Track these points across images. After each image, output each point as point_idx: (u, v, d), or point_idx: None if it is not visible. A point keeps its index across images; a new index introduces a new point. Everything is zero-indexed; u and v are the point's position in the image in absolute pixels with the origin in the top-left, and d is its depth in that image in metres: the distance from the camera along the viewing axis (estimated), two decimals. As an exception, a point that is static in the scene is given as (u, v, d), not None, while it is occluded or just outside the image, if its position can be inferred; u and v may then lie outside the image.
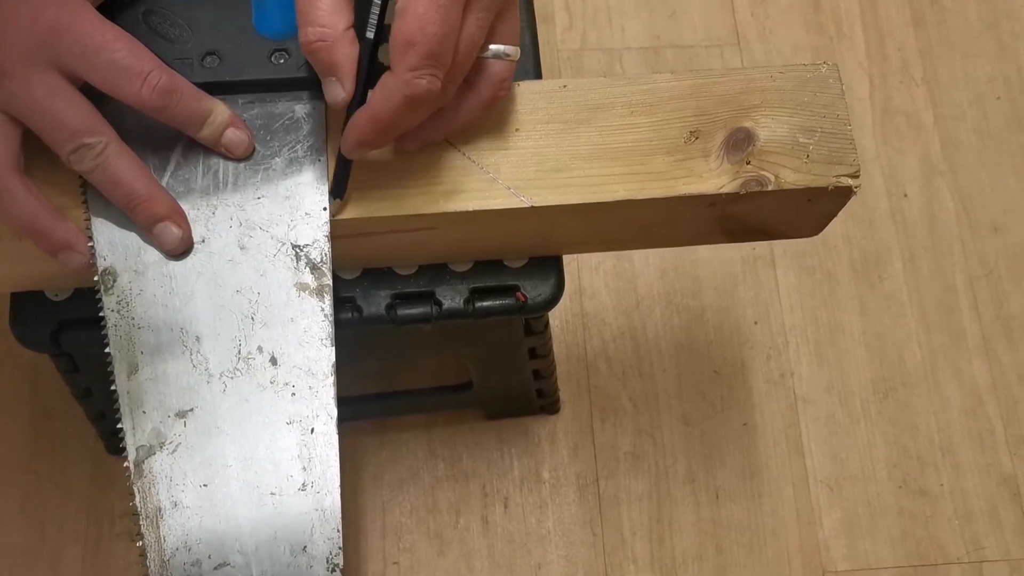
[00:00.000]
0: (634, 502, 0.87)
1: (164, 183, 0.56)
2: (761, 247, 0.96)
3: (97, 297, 0.55)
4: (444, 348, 0.75)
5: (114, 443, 0.83)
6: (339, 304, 0.60)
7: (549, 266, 0.65)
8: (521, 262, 0.64)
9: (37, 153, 0.55)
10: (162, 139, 0.56)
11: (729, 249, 0.96)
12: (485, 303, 0.64)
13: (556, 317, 0.93)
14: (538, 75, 0.68)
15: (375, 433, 0.88)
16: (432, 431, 0.89)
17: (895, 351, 0.93)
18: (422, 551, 0.85)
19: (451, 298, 0.64)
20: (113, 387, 0.53)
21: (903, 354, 0.93)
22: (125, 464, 0.52)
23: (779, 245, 0.97)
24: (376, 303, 0.63)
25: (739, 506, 0.88)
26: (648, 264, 0.95)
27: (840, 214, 0.97)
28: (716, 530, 0.87)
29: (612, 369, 0.92)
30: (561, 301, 0.93)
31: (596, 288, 0.95)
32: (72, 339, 0.61)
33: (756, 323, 0.94)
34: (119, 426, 0.53)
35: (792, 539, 0.87)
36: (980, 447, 0.90)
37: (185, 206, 0.56)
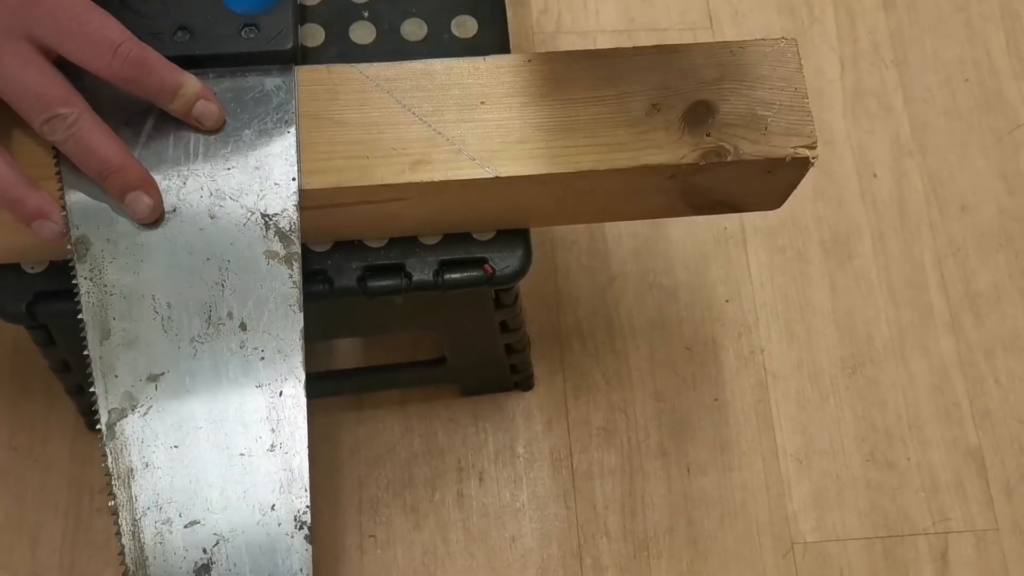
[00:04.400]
0: (607, 476, 0.89)
1: (136, 154, 0.57)
2: (732, 226, 0.98)
3: (70, 266, 0.56)
4: (416, 321, 0.77)
5: (93, 419, 0.84)
6: (310, 276, 0.61)
7: (517, 239, 0.66)
8: (489, 235, 0.66)
9: (10, 126, 0.57)
10: (134, 111, 0.58)
11: (701, 229, 0.98)
12: (454, 275, 0.65)
13: (530, 295, 0.94)
14: (507, 52, 0.69)
15: (351, 409, 0.89)
16: (408, 407, 0.90)
17: (864, 328, 0.95)
18: (398, 524, 0.86)
19: (420, 270, 0.65)
20: (86, 352, 0.55)
21: (872, 331, 0.95)
22: (98, 427, 0.54)
23: (750, 225, 0.98)
24: (347, 275, 0.64)
25: (710, 480, 0.89)
26: (621, 243, 0.97)
27: (810, 194, 1.00)
28: (687, 503, 0.88)
29: (585, 346, 0.93)
30: (535, 280, 0.96)
31: (570, 267, 0.96)
32: (48, 310, 0.62)
33: (727, 301, 0.96)
34: (92, 390, 0.54)
35: (762, 511, 0.88)
36: (947, 421, 0.92)
37: (157, 176, 0.57)
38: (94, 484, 0.86)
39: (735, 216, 0.98)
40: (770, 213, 0.93)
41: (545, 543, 0.87)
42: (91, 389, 0.54)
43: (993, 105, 1.04)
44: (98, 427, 0.54)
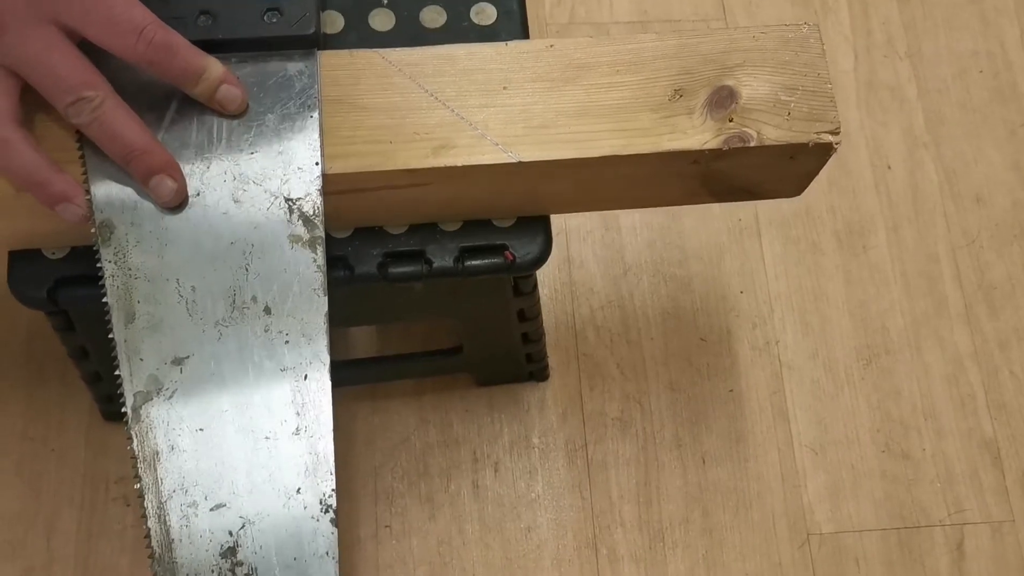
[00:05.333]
0: (622, 467, 0.89)
1: (160, 138, 0.57)
2: (747, 217, 0.98)
3: (95, 250, 0.56)
4: (435, 308, 0.77)
5: (109, 409, 0.84)
6: (331, 263, 0.61)
7: (537, 226, 0.66)
8: (509, 222, 0.66)
9: (34, 110, 0.57)
10: (158, 95, 0.58)
11: (715, 219, 0.98)
12: (474, 262, 0.65)
13: (545, 286, 0.94)
14: (526, 37, 0.69)
15: (367, 400, 0.89)
16: (423, 398, 0.90)
17: (879, 319, 0.95)
18: (413, 515, 0.86)
19: (441, 257, 0.65)
20: (111, 335, 0.55)
21: (886, 322, 0.95)
22: (123, 410, 0.54)
23: (764, 215, 0.98)
24: (368, 262, 0.64)
25: (725, 470, 0.89)
26: (636, 234, 0.97)
27: (824, 185, 1.00)
28: (702, 494, 0.88)
29: (600, 337, 0.93)
30: (550, 271, 0.96)
31: (584, 258, 0.96)
32: (69, 296, 0.62)
33: (742, 292, 0.95)
34: (116, 373, 0.54)
35: (777, 502, 0.88)
36: (962, 412, 0.92)
37: (180, 161, 0.57)
38: (109, 474, 0.86)
39: (749, 207, 0.98)
40: (784, 204, 0.93)
41: (560, 533, 0.86)
42: (116, 373, 0.54)
43: (1007, 97, 1.04)
44: (123, 411, 0.54)
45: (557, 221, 0.94)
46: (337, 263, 0.63)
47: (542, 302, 0.90)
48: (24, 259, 0.63)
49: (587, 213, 0.93)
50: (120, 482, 0.85)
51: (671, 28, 1.05)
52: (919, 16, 1.07)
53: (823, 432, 0.91)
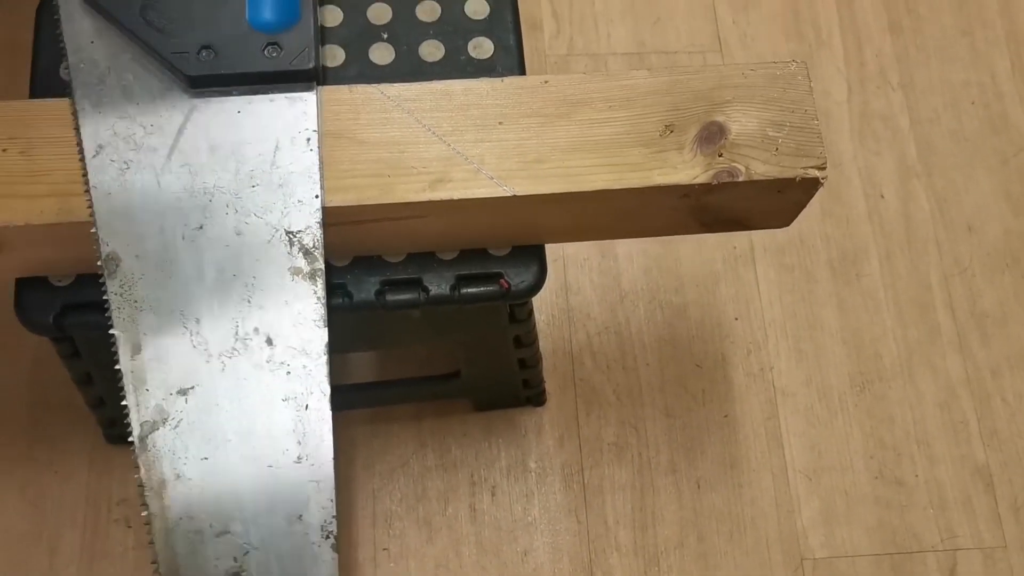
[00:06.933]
0: (618, 491, 0.90)
1: (164, 169, 0.58)
2: (742, 245, 0.99)
3: (101, 282, 0.58)
4: (432, 335, 0.78)
5: (112, 432, 0.85)
6: (331, 290, 0.63)
7: (531, 254, 0.68)
8: (505, 250, 0.67)
9: (41, 145, 0.58)
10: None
11: (711, 247, 0.99)
12: (470, 289, 0.66)
13: (542, 312, 0.96)
14: (522, 73, 0.71)
15: (366, 424, 0.91)
16: (422, 422, 0.91)
17: (872, 346, 0.96)
18: (411, 538, 0.87)
19: (438, 284, 0.66)
20: (117, 366, 0.56)
21: (879, 349, 0.96)
22: (130, 439, 0.55)
23: (759, 243, 0.99)
24: (366, 289, 0.66)
25: (720, 496, 0.90)
26: (632, 261, 0.98)
27: (818, 214, 1.01)
28: (697, 519, 0.89)
29: (597, 363, 0.95)
30: (547, 297, 0.97)
31: (581, 284, 0.97)
32: (74, 322, 0.64)
33: (737, 319, 0.97)
34: (123, 403, 0.55)
35: (771, 527, 0.89)
36: (954, 439, 0.93)
37: (183, 195, 0.58)
38: (111, 496, 0.87)
39: (744, 235, 1.00)
40: (779, 232, 0.95)
41: (556, 557, 0.88)
42: (122, 403, 0.56)
43: (998, 127, 1.05)
44: (130, 440, 0.55)
45: (555, 249, 0.96)
46: (337, 290, 0.65)
47: (540, 328, 0.91)
48: (31, 286, 0.64)
49: (584, 241, 0.95)
50: (122, 504, 0.86)
51: (668, 59, 1.07)
52: (911, 48, 1.08)
53: (817, 458, 0.92)
